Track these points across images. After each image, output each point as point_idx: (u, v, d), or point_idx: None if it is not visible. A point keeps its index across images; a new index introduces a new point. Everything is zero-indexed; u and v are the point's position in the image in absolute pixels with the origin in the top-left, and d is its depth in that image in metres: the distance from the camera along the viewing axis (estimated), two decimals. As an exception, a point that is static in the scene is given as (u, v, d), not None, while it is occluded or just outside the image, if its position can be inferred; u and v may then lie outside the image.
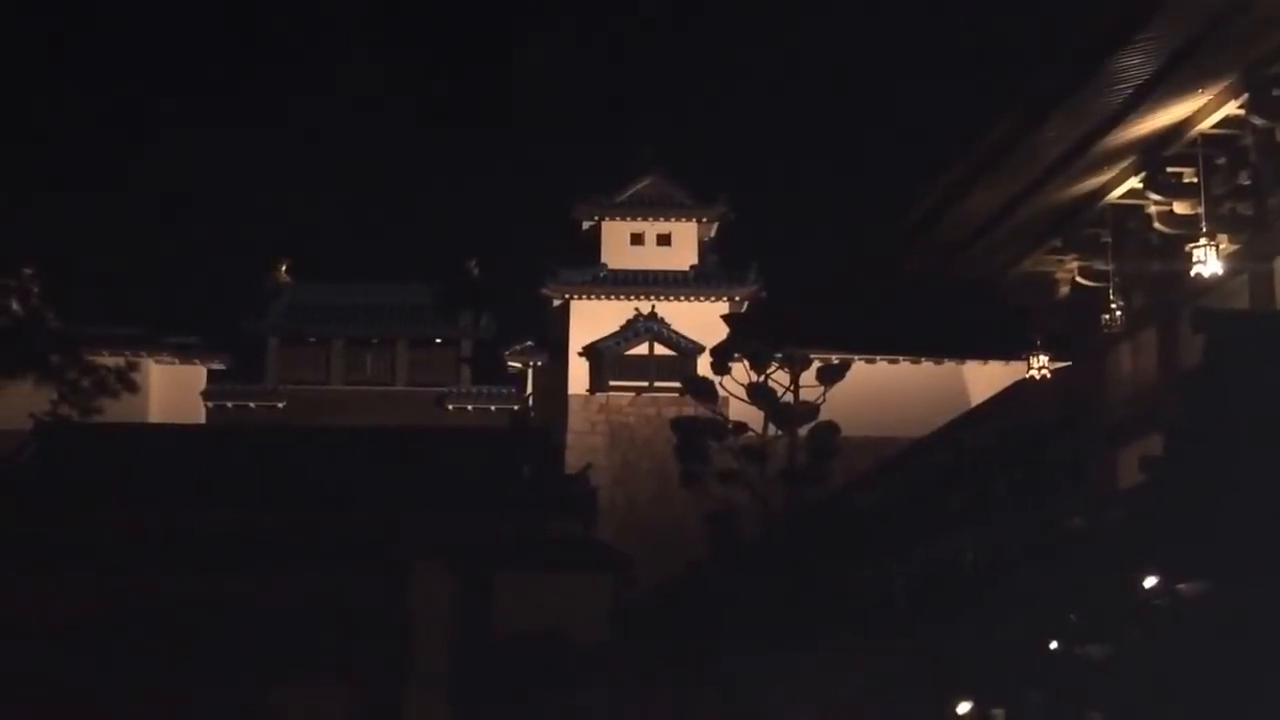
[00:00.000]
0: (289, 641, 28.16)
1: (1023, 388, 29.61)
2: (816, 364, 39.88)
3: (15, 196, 37.60)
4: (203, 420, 49.68)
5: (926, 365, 48.23)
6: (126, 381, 38.77)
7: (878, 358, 46.74)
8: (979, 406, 34.96)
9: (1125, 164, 23.81)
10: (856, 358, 43.90)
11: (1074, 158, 23.01)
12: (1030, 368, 28.78)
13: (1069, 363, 28.25)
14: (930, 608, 24.85)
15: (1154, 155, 23.27)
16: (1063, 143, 22.46)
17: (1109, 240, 25.70)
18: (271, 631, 28.20)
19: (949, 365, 47.92)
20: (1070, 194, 24.80)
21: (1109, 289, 25.91)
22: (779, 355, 38.84)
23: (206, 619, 28.32)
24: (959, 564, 25.70)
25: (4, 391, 37.13)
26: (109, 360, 41.11)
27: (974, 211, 24.92)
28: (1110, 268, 25.87)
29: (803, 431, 38.53)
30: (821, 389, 39.25)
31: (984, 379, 44.68)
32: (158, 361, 49.35)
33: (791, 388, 39.12)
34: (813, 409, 38.68)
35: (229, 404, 50.52)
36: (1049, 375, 28.35)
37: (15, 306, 37.42)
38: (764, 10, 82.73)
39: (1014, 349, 30.53)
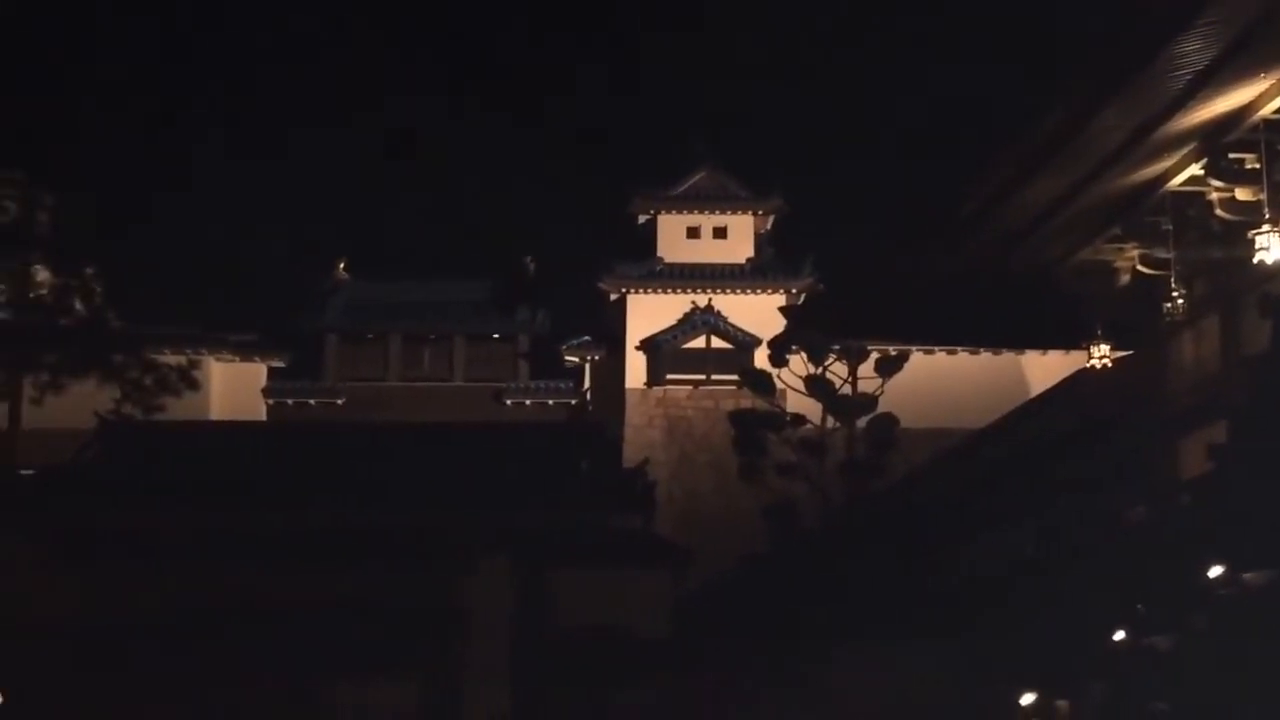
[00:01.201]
0: (350, 638, 28.31)
1: (1083, 377, 29.43)
2: (874, 356, 39.84)
3: (79, 199, 38.18)
4: (263, 417, 50.05)
5: (985, 356, 47.95)
6: (188, 379, 39.33)
7: (936, 349, 46.51)
8: (1039, 397, 34.72)
9: (1186, 150, 23.59)
10: (915, 349, 43.85)
11: (1133, 145, 22.83)
12: (1090, 357, 28.60)
13: (1130, 352, 28.04)
14: (993, 599, 24.71)
15: (1215, 141, 23.04)
16: (1122, 130, 22.28)
17: (1170, 228, 25.50)
18: (333, 628, 28.36)
19: (1008, 356, 47.61)
20: (1130, 181, 24.61)
21: (1170, 277, 25.71)
22: (837, 347, 38.82)
23: (269, 615, 28.51)
24: (1021, 554, 25.56)
25: (68, 390, 37.73)
26: (171, 359, 41.68)
27: (1032, 200, 24.77)
28: (1171, 255, 25.67)
29: (861, 423, 38.52)
30: (880, 381, 39.23)
31: (1043, 369, 44.39)
32: (218, 359, 49.79)
33: (850, 380, 39.11)
34: (871, 401, 38.65)
35: (289, 401, 50.89)
36: (1110, 365, 28.15)
37: (79, 306, 38.02)
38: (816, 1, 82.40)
39: (1074, 339, 30.35)
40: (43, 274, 37.70)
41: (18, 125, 36.30)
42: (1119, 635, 19.39)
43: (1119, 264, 27.18)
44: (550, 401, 51.10)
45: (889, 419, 37.90)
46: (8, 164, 36.90)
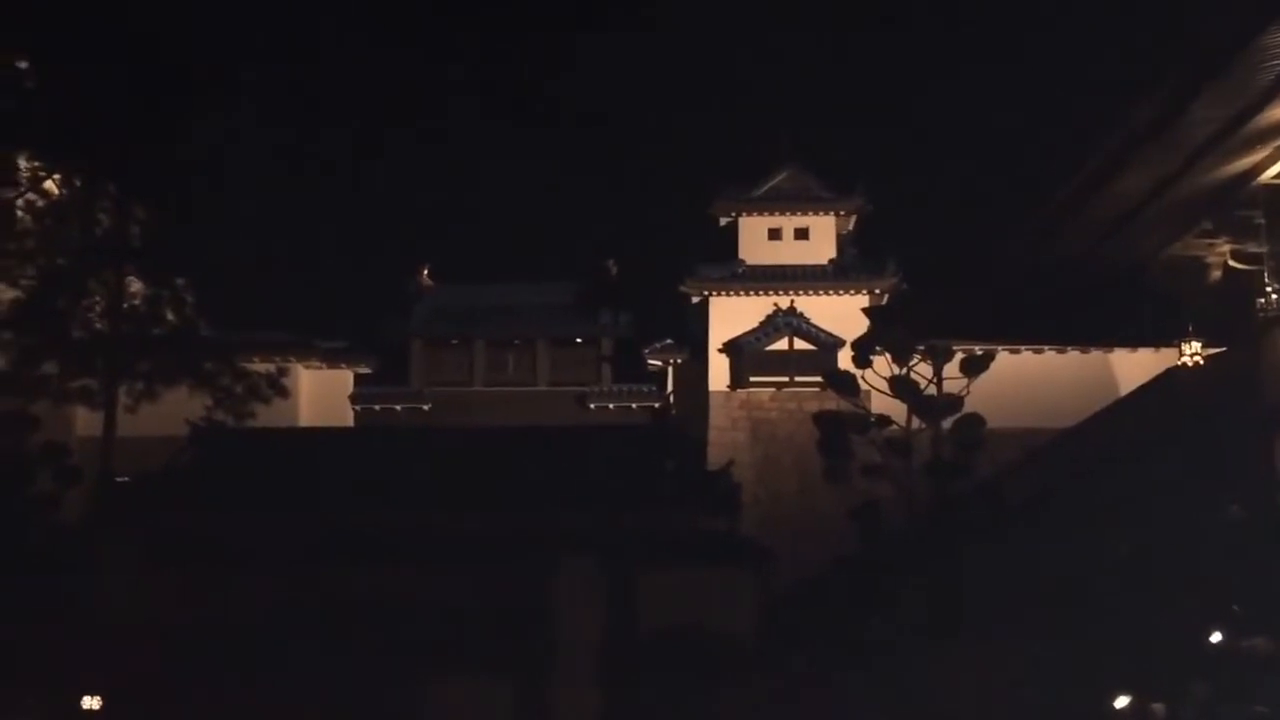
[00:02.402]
0: (440, 637, 28.54)
1: (1174, 375, 29.06)
2: (960, 355, 39.44)
3: (167, 210, 38.79)
4: (351, 423, 50.55)
5: (1073, 354, 47.41)
6: (278, 387, 39.80)
7: (1022, 348, 46.06)
8: (1129, 395, 34.29)
9: (1278, 143, 23.25)
10: (1000, 348, 43.36)
11: (1225, 137, 22.55)
12: (1182, 355, 28.25)
13: (1222, 349, 27.66)
14: (1085, 600, 24.45)
15: (1309, 133, 22.68)
16: (1213, 122, 22.01)
17: (1262, 222, 25.17)
18: (423, 627, 28.61)
19: (1096, 354, 47.05)
20: (1221, 175, 24.31)
21: (1263, 272, 25.36)
22: (921, 347, 38.51)
23: (360, 616, 28.82)
24: (1114, 555, 25.26)
25: (162, 398, 38.33)
26: (260, 366, 42.18)
27: (1120, 195, 24.54)
28: (1264, 250, 25.32)
29: (947, 424, 38.12)
30: (965, 381, 38.87)
31: (1133, 367, 43.79)
32: (307, 367, 50.35)
33: (935, 380, 38.75)
34: (957, 401, 38.22)
35: (376, 407, 51.36)
36: (1202, 362, 27.79)
37: (170, 316, 38.61)
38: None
39: (1164, 336, 29.98)
40: (135, 284, 38.30)
41: (109, 138, 36.91)
42: (1216, 637, 19.12)
43: (1210, 259, 26.85)
44: (634, 405, 51.19)
45: (975, 419, 37.48)
46: (100, 177, 37.54)
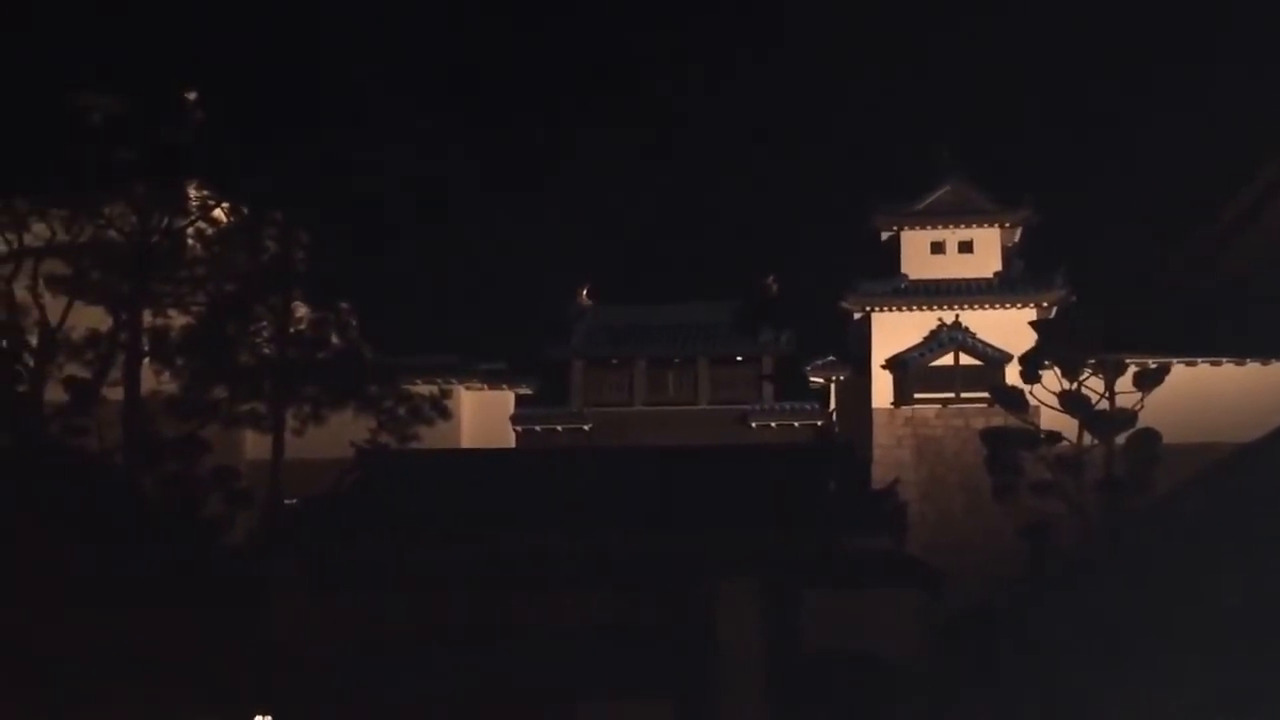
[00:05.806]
0: (600, 659, 28.45)
1: (1364, 386, 27.68)
2: (1132, 369, 38.34)
3: (333, 235, 39.45)
4: (512, 444, 50.86)
5: (1252, 366, 45.72)
6: (440, 409, 40.21)
7: (1198, 360, 44.54)
8: (1314, 408, 32.86)
9: None
10: (1175, 361, 42.02)
11: None
12: (1372, 364, 26.93)
13: None
14: (1267, 623, 23.34)
15: None
16: (1403, 120, 20.85)
17: None
18: (583, 649, 28.55)
19: (1277, 365, 45.32)
20: None
21: None
22: (1092, 361, 37.49)
23: (521, 637, 28.85)
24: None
25: (327, 422, 38.96)
26: (423, 388, 42.68)
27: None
28: None
29: (1120, 439, 37.08)
30: (1139, 395, 37.72)
31: (1318, 379, 42.20)
32: (468, 388, 50.79)
33: (1107, 394, 37.71)
34: (1130, 416, 37.17)
35: (537, 428, 51.61)
36: (1394, 371, 26.45)
37: (335, 340, 39.24)
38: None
39: (1352, 345, 28.61)
40: (301, 309, 39.01)
41: (274, 168, 37.70)
42: None
43: (1402, 264, 25.50)
44: (796, 423, 50.71)
45: (1151, 434, 36.42)
46: (266, 205, 38.35)
